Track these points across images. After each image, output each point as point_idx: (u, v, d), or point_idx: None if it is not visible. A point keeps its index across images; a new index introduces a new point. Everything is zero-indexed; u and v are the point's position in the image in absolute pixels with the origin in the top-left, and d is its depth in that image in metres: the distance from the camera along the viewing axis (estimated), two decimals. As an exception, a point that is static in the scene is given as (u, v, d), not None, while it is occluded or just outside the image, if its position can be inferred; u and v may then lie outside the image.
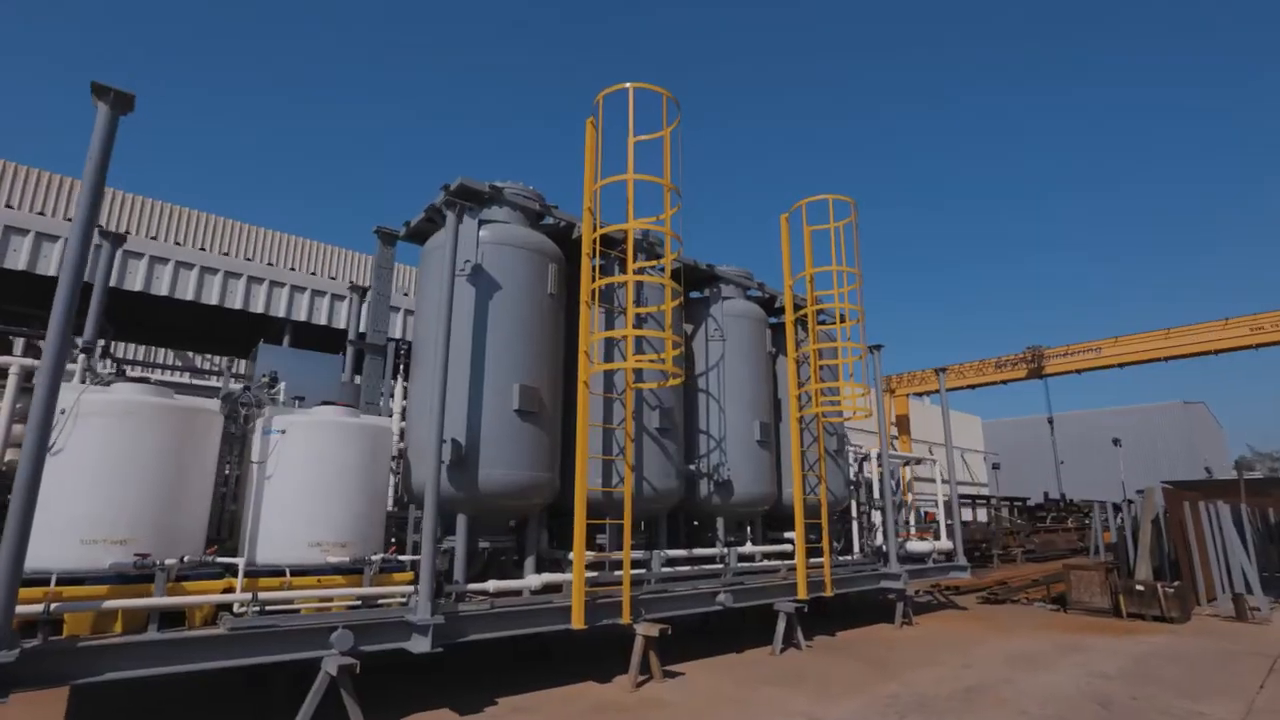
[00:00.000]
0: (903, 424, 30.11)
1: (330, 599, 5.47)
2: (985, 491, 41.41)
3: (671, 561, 8.11)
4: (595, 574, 7.15)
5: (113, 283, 9.22)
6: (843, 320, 10.27)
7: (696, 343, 9.42)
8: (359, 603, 5.56)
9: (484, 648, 7.10)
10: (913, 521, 12.79)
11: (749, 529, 9.25)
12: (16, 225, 9.00)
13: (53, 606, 4.27)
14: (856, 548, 11.15)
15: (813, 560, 9.55)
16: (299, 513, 5.61)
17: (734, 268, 9.98)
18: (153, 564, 4.68)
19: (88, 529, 4.72)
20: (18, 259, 8.91)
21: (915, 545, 11.79)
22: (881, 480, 11.11)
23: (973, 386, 30.37)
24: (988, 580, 15.50)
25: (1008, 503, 32.99)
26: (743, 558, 8.92)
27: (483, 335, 6.75)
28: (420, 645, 5.37)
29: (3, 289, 9.20)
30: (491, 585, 6.23)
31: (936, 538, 12.43)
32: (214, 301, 10.18)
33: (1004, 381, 29.14)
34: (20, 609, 3.98)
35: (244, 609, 4.95)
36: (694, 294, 10.12)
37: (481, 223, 7.13)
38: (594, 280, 7.25)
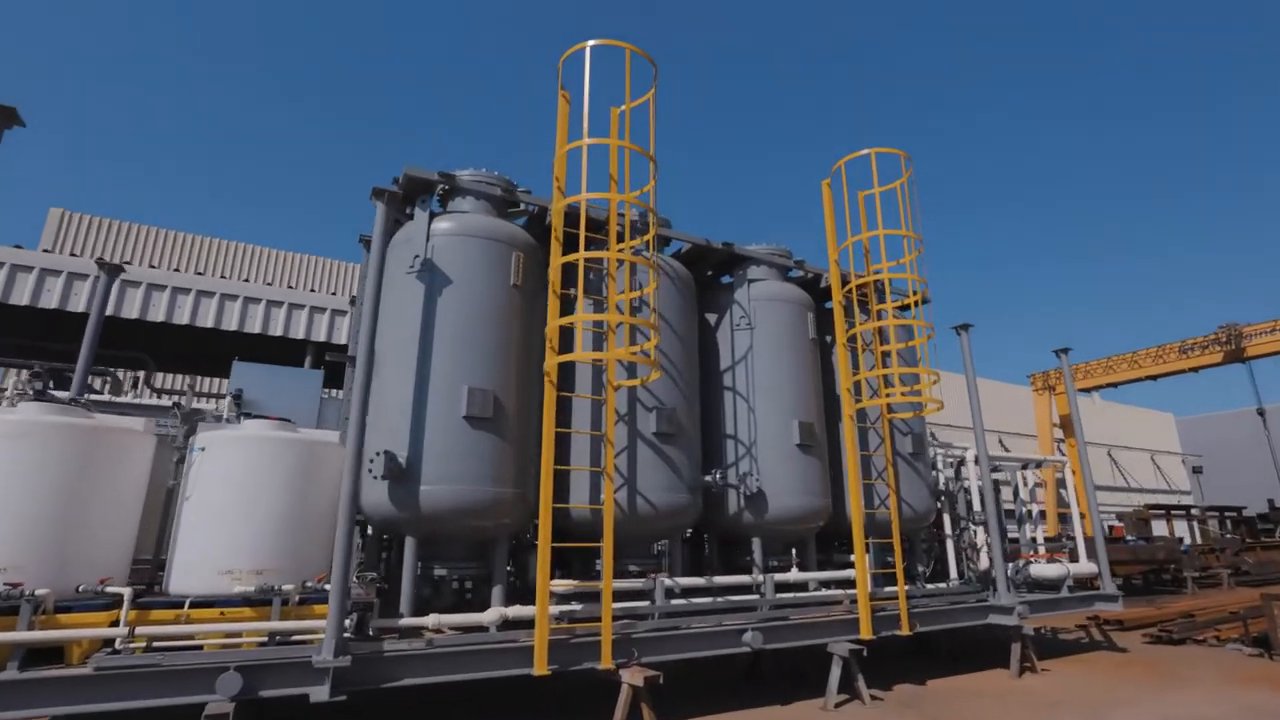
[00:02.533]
0: (1066, 425, 26.01)
1: (238, 634, 4.89)
2: (1189, 500, 34.73)
3: (688, 592, 6.81)
4: (579, 607, 6.08)
5: (136, 314, 9.87)
6: (902, 294, 8.45)
7: (720, 334, 8.11)
8: (268, 639, 4.93)
9: (470, 688, 6.28)
10: (1040, 539, 10.29)
11: (794, 552, 7.68)
12: (21, 263, 9.81)
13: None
14: (954, 572, 9.05)
15: (889, 589, 7.77)
16: (213, 536, 5.13)
17: (765, 246, 8.56)
18: (20, 594, 4.34)
19: (-32, 557, 4.50)
20: (22, 295, 9.69)
21: (1042, 569, 9.41)
22: (982, 488, 8.98)
23: (1153, 377, 25.81)
24: (1167, 612, 12.26)
25: (1216, 513, 27.28)
26: (788, 586, 7.38)
27: (429, 336, 6.02)
28: (320, 694, 4.61)
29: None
30: (431, 620, 5.37)
31: (1074, 559, 9.90)
32: (233, 327, 10.52)
33: (1193, 369, 24.48)
34: None
35: (124, 646, 4.48)
36: (724, 279, 8.83)
37: (434, 214, 6.48)
38: (561, 260, 6.29)
